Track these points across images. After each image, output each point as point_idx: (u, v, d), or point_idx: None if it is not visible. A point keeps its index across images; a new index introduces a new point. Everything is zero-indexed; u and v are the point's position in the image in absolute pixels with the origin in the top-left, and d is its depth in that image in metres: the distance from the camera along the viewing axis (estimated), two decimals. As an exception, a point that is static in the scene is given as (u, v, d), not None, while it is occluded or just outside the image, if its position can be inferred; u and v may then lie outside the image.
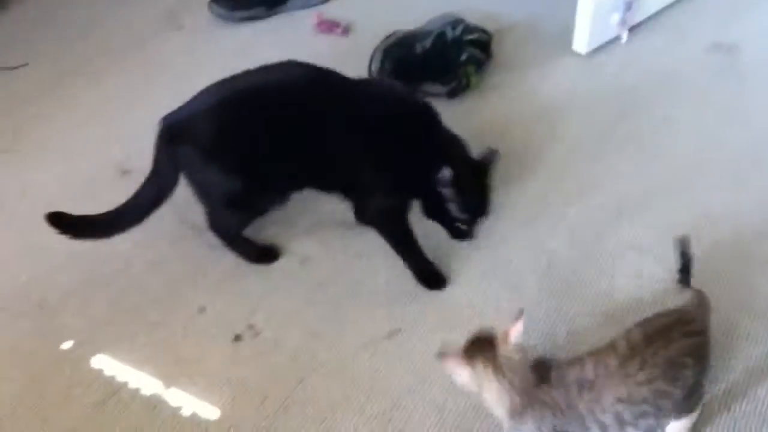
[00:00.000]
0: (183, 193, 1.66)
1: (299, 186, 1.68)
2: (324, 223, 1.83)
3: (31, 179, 2.10)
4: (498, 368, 1.21)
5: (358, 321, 1.63)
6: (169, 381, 1.57)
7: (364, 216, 1.68)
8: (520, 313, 1.23)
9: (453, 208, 1.60)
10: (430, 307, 1.63)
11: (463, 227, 1.65)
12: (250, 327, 1.65)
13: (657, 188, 1.80)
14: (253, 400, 1.52)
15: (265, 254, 1.77)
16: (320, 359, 1.57)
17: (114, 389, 1.56)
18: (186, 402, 1.54)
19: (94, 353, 1.64)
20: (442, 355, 1.26)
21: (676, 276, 1.35)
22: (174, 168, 1.61)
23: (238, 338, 1.63)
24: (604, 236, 1.71)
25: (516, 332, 1.22)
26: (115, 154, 2.10)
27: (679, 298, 1.33)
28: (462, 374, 1.24)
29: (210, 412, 1.52)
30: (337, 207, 1.73)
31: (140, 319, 1.69)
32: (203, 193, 1.65)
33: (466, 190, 1.58)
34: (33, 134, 2.26)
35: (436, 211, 1.65)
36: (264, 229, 1.81)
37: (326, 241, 1.79)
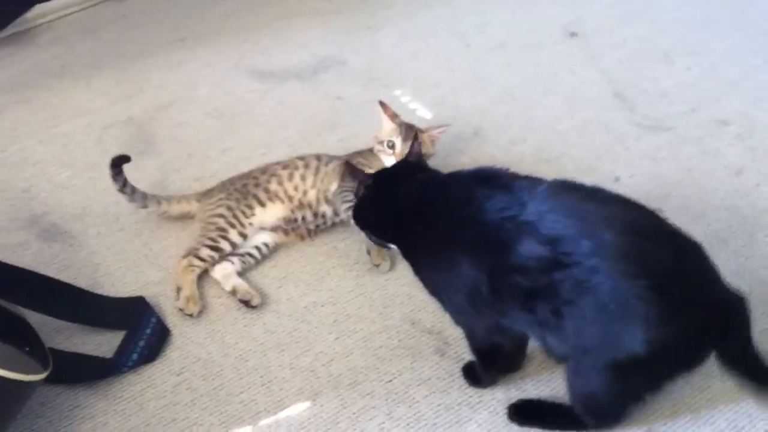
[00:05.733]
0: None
1: None
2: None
3: (485, 20, 2.37)
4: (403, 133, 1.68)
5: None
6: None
7: None
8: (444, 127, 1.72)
9: None
10: None
11: None
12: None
13: None
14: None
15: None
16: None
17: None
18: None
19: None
20: (383, 104, 1.73)
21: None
22: None
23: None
24: None
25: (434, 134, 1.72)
26: (563, 14, 2.23)
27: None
28: (386, 123, 1.72)
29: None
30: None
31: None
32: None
33: None
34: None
35: None
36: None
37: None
